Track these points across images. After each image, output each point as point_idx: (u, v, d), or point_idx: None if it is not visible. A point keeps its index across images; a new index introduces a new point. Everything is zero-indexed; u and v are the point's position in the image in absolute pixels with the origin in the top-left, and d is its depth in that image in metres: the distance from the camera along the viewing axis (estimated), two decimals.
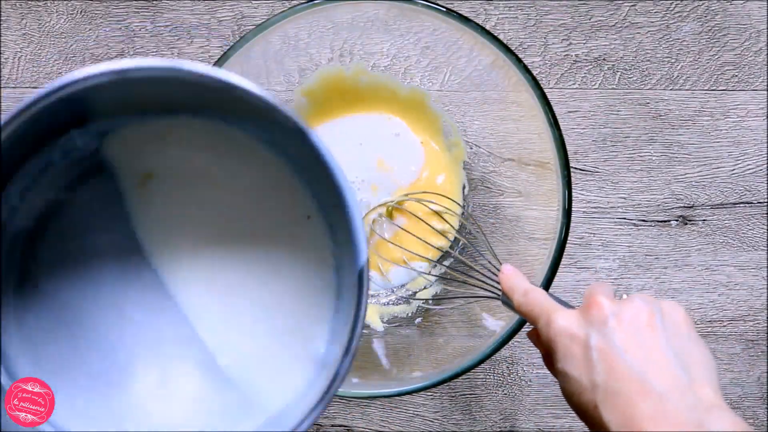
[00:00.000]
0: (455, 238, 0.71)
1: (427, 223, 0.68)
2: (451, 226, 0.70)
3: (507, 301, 0.55)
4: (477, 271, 0.61)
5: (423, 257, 0.70)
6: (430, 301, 0.71)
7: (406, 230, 0.69)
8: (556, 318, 0.48)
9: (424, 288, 0.72)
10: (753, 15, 0.74)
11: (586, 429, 0.75)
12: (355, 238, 0.43)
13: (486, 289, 0.59)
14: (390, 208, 0.70)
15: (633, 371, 0.43)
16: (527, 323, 0.60)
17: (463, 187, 0.72)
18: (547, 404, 0.75)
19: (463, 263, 0.67)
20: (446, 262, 0.71)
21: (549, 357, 0.49)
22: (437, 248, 0.69)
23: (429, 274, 0.71)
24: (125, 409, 0.49)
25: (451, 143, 0.72)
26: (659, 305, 0.46)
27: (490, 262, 0.60)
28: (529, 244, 0.68)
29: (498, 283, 0.57)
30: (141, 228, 0.51)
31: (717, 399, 0.42)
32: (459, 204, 0.71)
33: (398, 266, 0.71)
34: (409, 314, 0.72)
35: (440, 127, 0.71)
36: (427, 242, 0.68)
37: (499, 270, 0.57)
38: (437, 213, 0.70)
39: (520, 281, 0.54)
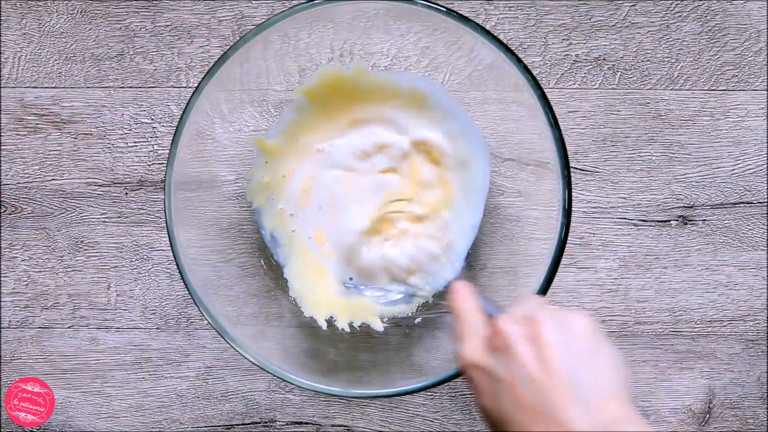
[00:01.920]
0: None
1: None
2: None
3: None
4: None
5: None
6: (430, 301, 0.71)
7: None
8: (464, 350, 0.49)
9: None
10: (753, 15, 0.74)
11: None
12: None
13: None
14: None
15: (535, 401, 0.44)
16: None
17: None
18: None
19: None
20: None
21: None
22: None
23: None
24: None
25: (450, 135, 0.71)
26: (563, 319, 0.46)
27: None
28: (529, 244, 0.68)
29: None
30: None
31: (622, 412, 0.43)
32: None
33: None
34: (409, 314, 0.72)
35: (440, 126, 0.71)
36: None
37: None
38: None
39: (464, 302, 0.54)
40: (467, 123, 0.69)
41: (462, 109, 0.70)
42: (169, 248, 0.62)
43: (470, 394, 0.75)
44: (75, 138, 0.75)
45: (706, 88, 0.75)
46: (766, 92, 0.75)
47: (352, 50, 0.69)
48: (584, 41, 0.74)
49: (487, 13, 0.74)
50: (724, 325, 0.75)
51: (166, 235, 0.62)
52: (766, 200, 0.75)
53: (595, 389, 0.44)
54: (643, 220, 0.75)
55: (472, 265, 0.71)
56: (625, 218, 0.75)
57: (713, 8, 0.74)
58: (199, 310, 0.62)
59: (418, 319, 0.71)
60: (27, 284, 0.75)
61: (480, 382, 0.48)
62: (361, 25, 0.66)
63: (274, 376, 0.62)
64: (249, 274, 0.71)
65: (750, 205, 0.75)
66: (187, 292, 0.64)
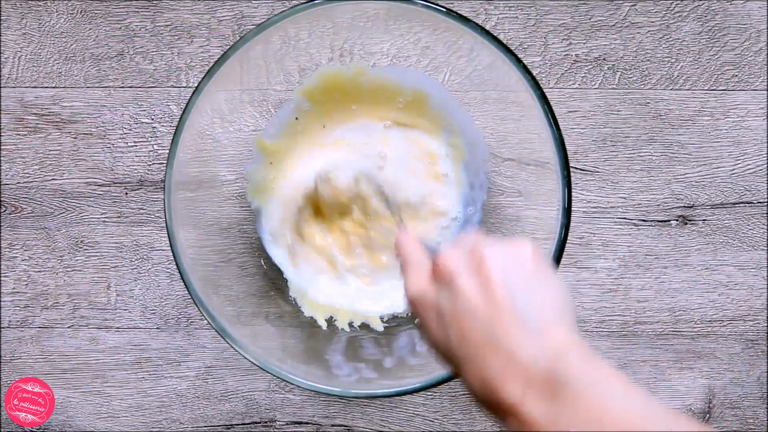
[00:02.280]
0: None
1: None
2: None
3: None
4: None
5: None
6: None
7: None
8: (409, 284, 0.48)
9: None
10: (753, 15, 0.74)
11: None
12: None
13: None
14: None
15: (480, 332, 0.43)
16: None
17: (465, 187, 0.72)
18: None
19: None
20: None
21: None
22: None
23: None
24: None
25: (452, 143, 0.72)
26: (506, 248, 0.45)
27: None
28: None
29: None
30: None
31: (568, 339, 0.42)
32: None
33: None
34: (409, 314, 0.72)
35: (441, 127, 0.71)
36: None
37: None
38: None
39: (408, 245, 0.52)
40: (467, 121, 0.70)
41: (462, 108, 0.70)
42: (169, 248, 0.62)
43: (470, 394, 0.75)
44: (75, 138, 0.75)
45: (706, 88, 0.75)
46: (766, 92, 0.75)
47: (352, 50, 0.69)
48: (584, 41, 0.74)
49: (487, 13, 0.74)
50: (724, 325, 0.75)
51: (166, 235, 0.62)
52: (766, 200, 0.75)
53: (541, 316, 0.42)
54: (643, 220, 0.75)
55: None
56: (625, 218, 0.75)
57: (713, 8, 0.74)
58: (199, 310, 0.62)
59: (418, 319, 0.71)
60: (27, 284, 0.75)
61: (425, 316, 0.47)
62: (361, 25, 0.66)
63: (274, 376, 0.62)
64: (249, 274, 0.71)
65: (750, 205, 0.75)
66: (187, 292, 0.64)
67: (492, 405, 0.42)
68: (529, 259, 0.45)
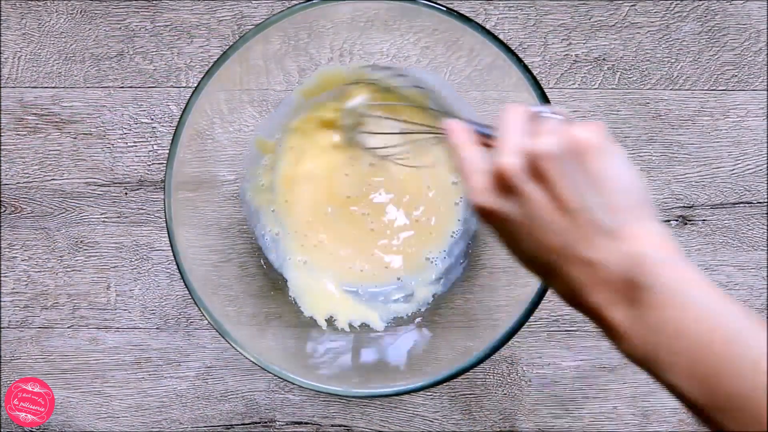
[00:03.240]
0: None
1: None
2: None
3: None
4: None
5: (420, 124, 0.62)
6: (431, 299, 0.71)
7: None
8: (473, 194, 0.45)
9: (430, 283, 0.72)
10: (753, 15, 0.74)
11: (587, 429, 0.75)
12: None
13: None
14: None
15: (557, 243, 0.42)
16: (528, 321, 0.60)
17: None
18: (547, 404, 0.75)
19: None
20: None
21: None
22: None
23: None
24: None
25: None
26: (565, 143, 0.42)
27: None
28: None
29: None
30: None
31: (646, 236, 0.41)
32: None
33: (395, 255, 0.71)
34: (409, 314, 0.72)
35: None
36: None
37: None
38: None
39: (460, 138, 0.48)
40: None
41: (465, 102, 0.70)
42: (169, 248, 0.62)
43: (470, 394, 0.75)
44: (75, 138, 0.75)
45: (705, 88, 0.75)
46: (766, 92, 0.75)
47: (352, 50, 0.69)
48: (584, 41, 0.74)
49: (487, 13, 0.74)
50: None
51: (166, 235, 0.62)
52: (765, 200, 0.75)
53: (616, 216, 0.42)
54: None
55: (472, 265, 0.71)
56: None
57: (713, 8, 0.74)
58: (199, 310, 0.62)
59: (418, 319, 0.71)
60: (27, 284, 0.75)
61: (496, 225, 0.45)
62: (361, 25, 0.66)
63: (274, 376, 0.62)
64: (249, 274, 0.71)
65: (750, 205, 0.75)
66: (187, 292, 0.64)
67: (582, 311, 0.43)
68: (592, 153, 0.42)
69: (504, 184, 0.43)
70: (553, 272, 0.44)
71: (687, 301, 0.39)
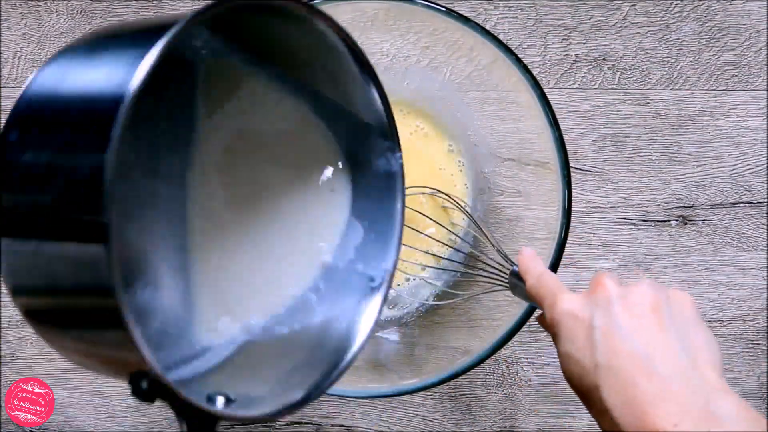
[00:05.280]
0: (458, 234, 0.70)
1: (437, 222, 0.68)
2: (453, 223, 0.70)
3: (516, 283, 0.54)
4: (485, 263, 0.60)
5: (434, 255, 0.69)
6: (431, 299, 0.71)
7: (414, 228, 0.68)
8: (562, 299, 0.47)
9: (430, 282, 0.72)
10: (753, 15, 0.74)
11: (587, 429, 0.75)
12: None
13: (493, 280, 0.59)
14: None
15: (636, 352, 0.42)
16: (528, 321, 0.60)
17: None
18: (547, 404, 0.75)
19: (473, 257, 0.67)
20: (450, 256, 0.71)
21: (555, 339, 0.48)
22: (446, 244, 0.69)
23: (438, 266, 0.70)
24: None
25: (450, 145, 0.71)
26: (666, 291, 0.46)
27: (495, 260, 0.60)
28: (529, 245, 0.67)
29: (504, 274, 0.56)
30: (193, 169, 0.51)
31: (721, 383, 0.42)
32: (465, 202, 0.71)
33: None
34: (409, 314, 0.72)
35: (440, 126, 0.71)
36: (433, 238, 0.68)
37: (505, 264, 0.56)
38: (444, 209, 0.70)
39: (536, 264, 0.53)
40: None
41: (463, 103, 0.70)
42: None
43: (470, 394, 0.75)
44: None
45: (706, 88, 0.75)
46: (766, 92, 0.75)
47: None
48: (584, 41, 0.74)
49: (487, 13, 0.74)
50: (724, 325, 0.75)
51: None
52: (766, 200, 0.75)
53: (696, 358, 0.43)
54: (643, 220, 0.75)
55: (472, 265, 0.71)
56: (624, 218, 0.75)
57: (713, 8, 0.74)
58: None
59: (419, 319, 0.71)
60: None
61: (572, 327, 0.46)
62: (361, 25, 0.66)
63: None
64: None
65: (750, 205, 0.75)
66: None
67: (632, 425, 0.42)
68: (689, 304, 0.45)
69: (598, 295, 0.46)
70: (614, 377, 0.43)
71: None
